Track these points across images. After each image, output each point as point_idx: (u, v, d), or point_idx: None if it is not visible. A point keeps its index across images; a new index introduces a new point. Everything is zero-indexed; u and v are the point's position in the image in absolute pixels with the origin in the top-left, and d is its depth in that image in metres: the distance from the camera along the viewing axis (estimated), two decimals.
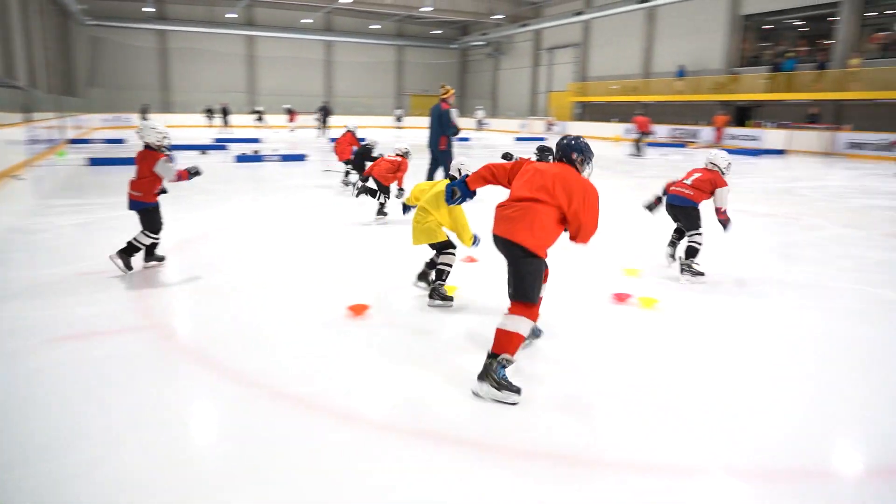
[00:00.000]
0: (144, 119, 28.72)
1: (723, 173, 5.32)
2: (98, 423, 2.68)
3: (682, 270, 5.19)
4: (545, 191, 3.03)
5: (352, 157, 10.22)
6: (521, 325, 2.96)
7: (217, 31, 37.63)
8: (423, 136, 11.39)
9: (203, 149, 17.58)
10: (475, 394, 2.97)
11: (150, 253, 5.17)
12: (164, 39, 37.46)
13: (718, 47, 27.45)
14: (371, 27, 41.66)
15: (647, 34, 31.01)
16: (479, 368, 3.01)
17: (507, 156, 8.02)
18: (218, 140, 20.95)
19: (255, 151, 16.16)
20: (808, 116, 22.52)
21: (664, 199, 5.43)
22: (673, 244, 5.60)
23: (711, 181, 5.22)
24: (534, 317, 3.02)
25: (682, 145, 25.40)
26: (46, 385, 3.03)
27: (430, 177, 9.29)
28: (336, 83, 43.11)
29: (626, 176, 14.06)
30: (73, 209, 7.99)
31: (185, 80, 38.09)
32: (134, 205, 4.92)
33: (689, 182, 5.28)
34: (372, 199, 7.68)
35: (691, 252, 5.19)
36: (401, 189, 7.46)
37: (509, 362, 2.96)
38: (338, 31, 41.57)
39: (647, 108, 31.32)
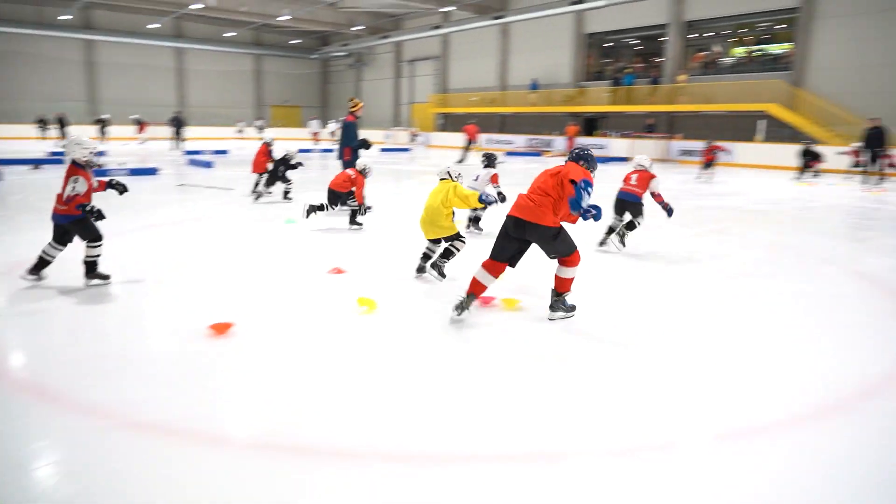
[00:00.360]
0: (61, 129, 25.94)
1: (649, 169, 6.80)
2: None
3: (618, 234, 6.76)
4: (552, 188, 4.17)
5: (268, 169, 10.38)
6: (569, 271, 4.27)
7: (49, 33, 34.18)
8: (284, 147, 11.17)
9: (36, 163, 15.89)
10: (550, 319, 4.32)
11: (93, 270, 4.97)
12: None
13: (567, 62, 29.39)
14: (226, 35, 39.91)
15: (503, 48, 32.51)
16: (347, 384, 3.03)
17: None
18: (53, 153, 19.07)
19: (99, 165, 14.86)
20: (646, 126, 24.79)
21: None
22: (611, 231, 6.90)
23: (647, 178, 6.70)
24: (576, 261, 4.25)
25: (538, 154, 26.86)
26: None
27: None
28: (189, 92, 40.84)
29: None
30: None
31: (10, 86, 34.18)
32: (63, 219, 4.83)
33: (633, 182, 6.75)
34: (321, 211, 7.82)
35: (630, 226, 6.77)
36: (364, 206, 7.82)
37: (566, 297, 4.35)
38: (189, 37, 39.37)
39: (504, 119, 32.85)
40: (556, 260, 4.30)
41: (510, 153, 26.99)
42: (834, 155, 16.45)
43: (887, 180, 14.73)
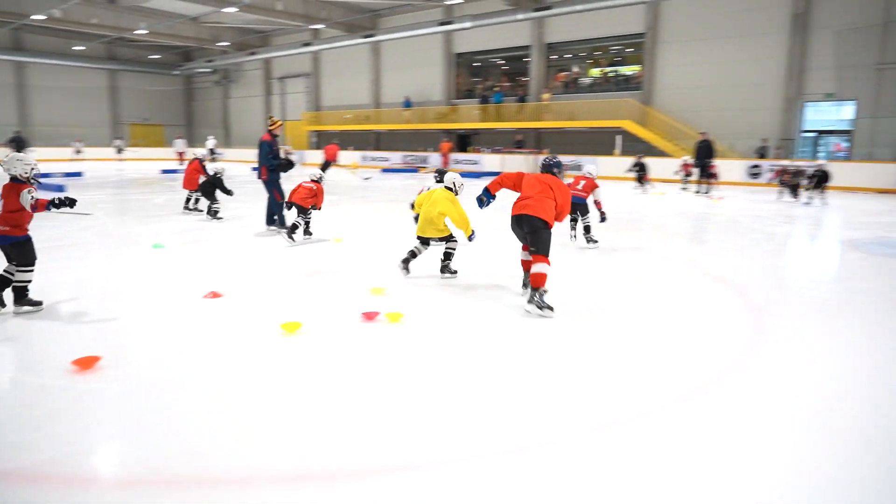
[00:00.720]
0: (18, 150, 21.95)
1: (594, 178, 8.07)
2: None
3: (588, 241, 7.95)
4: (547, 189, 5.14)
5: (199, 185, 10.49)
6: (544, 268, 4.88)
7: None
8: (146, 167, 10.55)
9: None
10: (528, 311, 4.88)
11: (22, 296, 4.78)
12: None
13: (438, 81, 30.16)
14: (75, 48, 36.80)
15: (375, 66, 32.74)
16: (211, 414, 2.93)
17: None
18: None
19: (39, 181, 13.15)
20: (515, 142, 25.98)
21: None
22: (573, 228, 8.24)
23: (592, 185, 7.94)
24: (548, 261, 4.91)
25: (414, 170, 27.23)
26: None
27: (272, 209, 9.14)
28: (32, 110, 37.26)
29: (362, 202, 14.63)
30: None
31: None
32: (2, 240, 4.69)
33: (580, 187, 7.90)
34: (297, 229, 8.14)
35: (588, 229, 7.99)
36: (315, 208, 8.24)
37: (545, 291, 4.90)
38: (30, 50, 35.88)
39: (379, 136, 33.02)
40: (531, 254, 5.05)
41: (386, 170, 27.18)
42: (667, 167, 18.19)
43: (714, 188, 16.30)
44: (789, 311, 5.36)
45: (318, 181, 8.38)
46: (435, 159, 27.78)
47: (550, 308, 4.82)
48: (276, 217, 9.05)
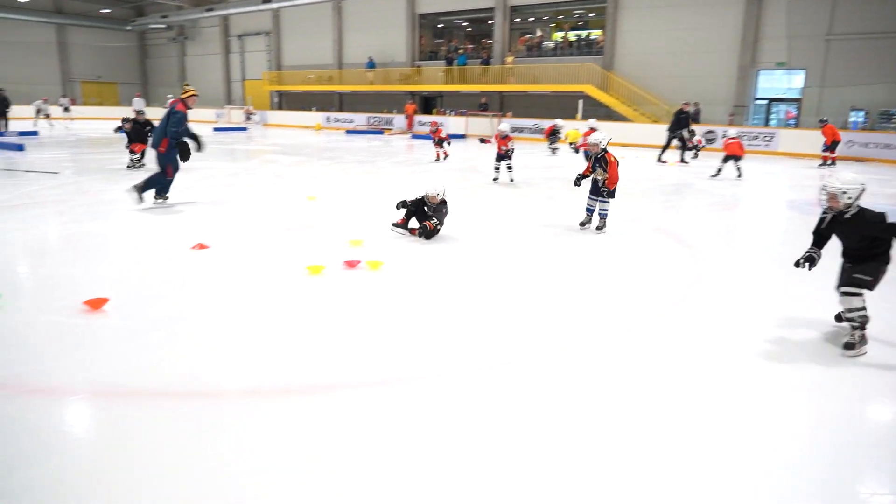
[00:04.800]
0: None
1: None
2: None
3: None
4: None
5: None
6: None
7: None
8: (94, 127, 10.55)
9: None
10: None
11: None
12: None
13: (402, 42, 29.97)
14: (19, 1, 35.15)
15: (337, 26, 32.27)
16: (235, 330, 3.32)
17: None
18: None
19: None
20: (480, 105, 26.21)
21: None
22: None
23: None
24: None
25: (380, 132, 27.27)
26: None
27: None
28: None
29: (330, 162, 14.81)
30: None
31: None
32: None
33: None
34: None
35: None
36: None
37: None
38: None
39: (342, 97, 32.76)
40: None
41: (350, 132, 27.14)
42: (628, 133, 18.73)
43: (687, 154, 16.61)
44: (725, 259, 5.98)
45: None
46: (399, 121, 27.85)
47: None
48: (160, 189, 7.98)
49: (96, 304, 3.98)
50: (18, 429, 2.59)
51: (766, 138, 19.45)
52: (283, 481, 2.27)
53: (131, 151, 11.51)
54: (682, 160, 15.63)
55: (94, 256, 5.46)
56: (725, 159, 12.58)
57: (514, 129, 24.02)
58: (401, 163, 14.89)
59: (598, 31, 25.06)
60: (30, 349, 3.41)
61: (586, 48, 25.33)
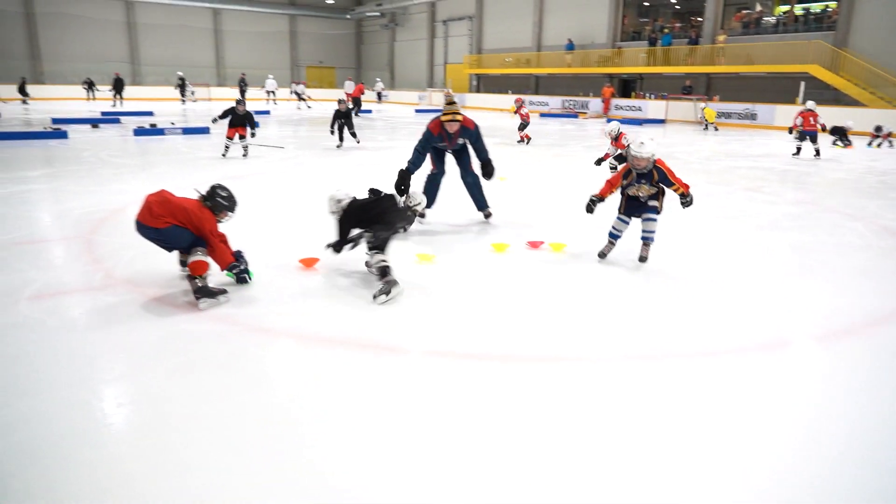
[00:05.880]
0: (118, 92, 26.41)
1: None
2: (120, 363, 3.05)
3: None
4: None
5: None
6: None
7: None
8: (327, 108, 11.68)
9: (94, 122, 16.77)
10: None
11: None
12: (30, 3, 34.25)
13: (603, 23, 29.08)
14: None
15: (538, 8, 32.22)
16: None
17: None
18: (105, 114, 20.02)
19: (152, 125, 15.66)
20: (683, 88, 24.63)
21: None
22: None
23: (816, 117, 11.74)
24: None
25: (574, 116, 26.87)
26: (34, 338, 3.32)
27: None
28: (226, 54, 41.44)
29: (521, 146, 14.97)
30: None
31: (56, 48, 35.13)
32: None
33: (812, 122, 11.68)
34: None
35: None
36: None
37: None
38: None
39: (539, 80, 32.74)
40: None
41: (545, 115, 27.07)
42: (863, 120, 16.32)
43: None
44: None
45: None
46: (595, 105, 27.19)
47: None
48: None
49: (309, 262, 4.56)
50: (243, 361, 3.12)
51: None
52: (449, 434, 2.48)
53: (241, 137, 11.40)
54: None
55: (308, 219, 6.20)
56: None
57: (722, 115, 22.33)
58: (592, 147, 14.61)
59: (831, 3, 22.08)
60: (256, 297, 4.03)
61: (814, 23, 22.45)
